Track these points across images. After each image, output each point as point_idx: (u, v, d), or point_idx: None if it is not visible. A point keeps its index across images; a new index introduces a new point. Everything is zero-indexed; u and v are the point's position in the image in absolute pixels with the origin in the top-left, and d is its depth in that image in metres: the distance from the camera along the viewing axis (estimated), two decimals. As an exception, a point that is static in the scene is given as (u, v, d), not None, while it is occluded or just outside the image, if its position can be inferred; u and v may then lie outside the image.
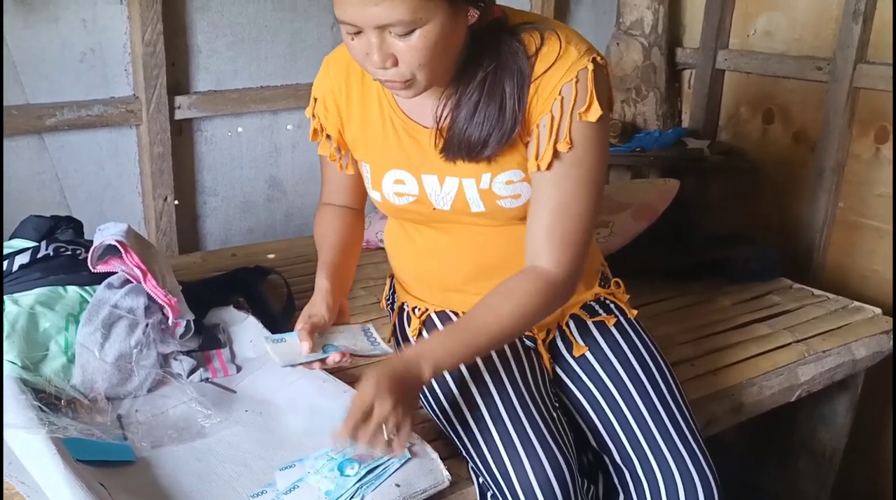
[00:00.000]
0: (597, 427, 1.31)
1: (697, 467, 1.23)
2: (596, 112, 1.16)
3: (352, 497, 1.11)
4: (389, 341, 1.47)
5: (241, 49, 2.14)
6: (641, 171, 2.52)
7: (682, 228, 2.18)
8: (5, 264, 1.45)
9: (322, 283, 1.29)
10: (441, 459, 1.21)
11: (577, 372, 1.35)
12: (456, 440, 1.27)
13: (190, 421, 1.28)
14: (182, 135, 2.12)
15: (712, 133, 2.63)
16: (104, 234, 1.44)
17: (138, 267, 1.41)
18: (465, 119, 1.19)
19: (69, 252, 1.49)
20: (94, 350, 1.32)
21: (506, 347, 1.31)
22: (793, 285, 2.08)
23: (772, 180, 2.47)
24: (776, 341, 1.75)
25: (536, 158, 1.19)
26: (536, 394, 1.26)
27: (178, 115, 2.07)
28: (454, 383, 1.27)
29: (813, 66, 2.31)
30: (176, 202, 2.13)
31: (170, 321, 1.41)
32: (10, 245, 1.52)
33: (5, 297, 1.38)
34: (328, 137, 1.35)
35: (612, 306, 1.42)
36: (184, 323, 1.42)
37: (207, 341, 1.49)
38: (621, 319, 1.40)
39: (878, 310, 1.92)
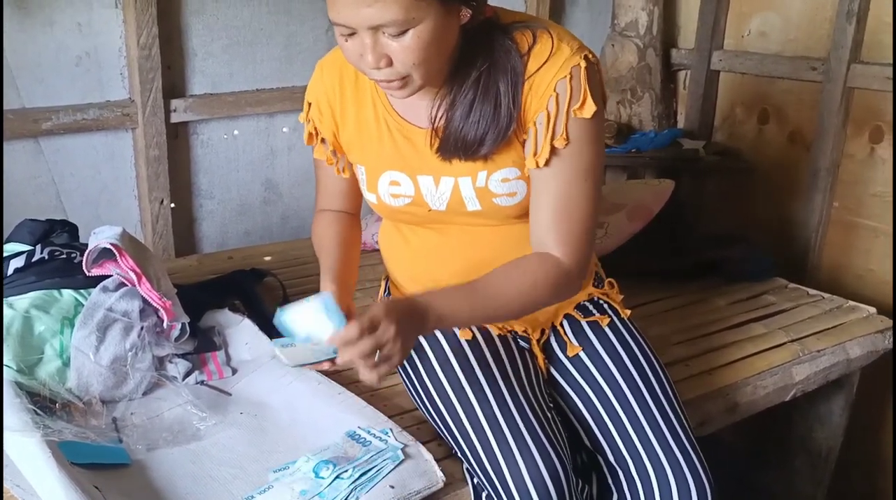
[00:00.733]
0: (591, 427, 1.31)
1: (690, 466, 1.23)
2: (590, 108, 1.17)
3: (346, 499, 1.11)
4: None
5: (237, 52, 2.15)
6: (637, 171, 2.52)
7: (677, 228, 2.18)
8: (1, 267, 1.45)
9: (328, 286, 1.27)
10: (435, 460, 1.21)
11: (571, 372, 1.35)
12: (451, 440, 1.27)
13: (185, 424, 1.29)
14: (178, 138, 2.12)
15: (707, 134, 2.63)
16: (99, 237, 1.45)
17: (133, 270, 1.42)
18: (461, 118, 1.20)
19: (64, 256, 1.49)
20: (89, 353, 1.32)
21: (500, 347, 1.32)
22: (788, 284, 2.08)
23: (767, 180, 2.48)
24: (771, 341, 1.76)
25: (534, 155, 1.19)
26: (531, 394, 1.27)
27: (174, 118, 2.07)
28: (449, 383, 1.27)
29: (807, 66, 2.32)
30: (172, 205, 2.13)
31: (165, 324, 1.41)
32: (6, 249, 1.52)
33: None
34: (323, 141, 1.36)
35: (605, 306, 1.42)
36: (179, 326, 1.43)
37: (203, 343, 1.49)
38: (615, 319, 1.40)
39: (872, 309, 1.92)
